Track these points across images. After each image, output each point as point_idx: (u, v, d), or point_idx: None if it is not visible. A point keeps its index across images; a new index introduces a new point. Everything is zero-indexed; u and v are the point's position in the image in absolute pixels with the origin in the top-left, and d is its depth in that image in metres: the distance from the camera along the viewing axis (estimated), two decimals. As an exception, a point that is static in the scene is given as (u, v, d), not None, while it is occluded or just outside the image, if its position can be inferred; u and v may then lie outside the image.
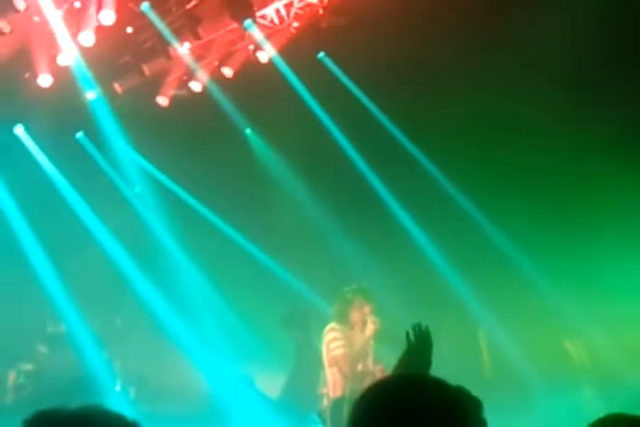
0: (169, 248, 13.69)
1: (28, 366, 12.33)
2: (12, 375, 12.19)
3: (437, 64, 11.35)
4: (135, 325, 13.49)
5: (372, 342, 9.01)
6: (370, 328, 8.86)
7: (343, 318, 9.03)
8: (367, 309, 8.98)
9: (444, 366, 3.94)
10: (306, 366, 11.26)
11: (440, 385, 2.52)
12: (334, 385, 8.89)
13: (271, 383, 12.47)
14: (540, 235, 11.27)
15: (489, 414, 2.65)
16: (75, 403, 2.70)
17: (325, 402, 9.07)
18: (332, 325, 9.03)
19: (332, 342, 8.90)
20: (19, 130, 13.69)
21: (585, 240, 10.82)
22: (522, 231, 11.66)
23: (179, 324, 13.13)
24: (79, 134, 14.14)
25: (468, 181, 12.14)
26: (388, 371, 7.08)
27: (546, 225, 11.07)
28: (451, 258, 12.34)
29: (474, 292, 12.02)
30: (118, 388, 12.48)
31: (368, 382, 8.37)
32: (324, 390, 9.19)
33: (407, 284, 12.18)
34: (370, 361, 9.00)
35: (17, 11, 10.35)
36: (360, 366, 8.88)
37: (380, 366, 8.92)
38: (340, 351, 8.82)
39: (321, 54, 12.75)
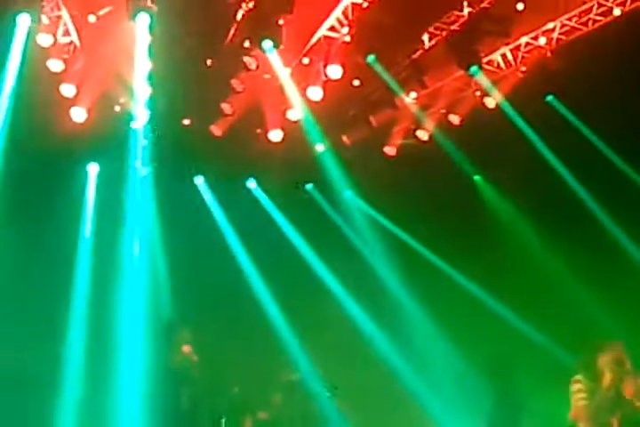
0: (400, 299, 13.58)
1: (263, 415, 12.45)
2: (248, 424, 12.33)
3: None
4: (370, 375, 13.40)
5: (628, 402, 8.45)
6: (628, 389, 8.34)
7: (590, 370, 8.57)
8: (628, 366, 8.48)
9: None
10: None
11: None
12: None
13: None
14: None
15: None
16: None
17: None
18: (577, 376, 8.60)
19: (576, 393, 8.48)
20: (251, 184, 14.15)
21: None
22: None
23: (410, 374, 12.96)
24: (309, 186, 14.41)
25: None
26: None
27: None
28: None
29: None
30: (351, 437, 12.40)
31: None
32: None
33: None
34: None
35: (249, 69, 10.72)
36: (609, 419, 8.35)
37: None
38: (582, 403, 8.37)
39: (550, 97, 12.36)
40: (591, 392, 8.37)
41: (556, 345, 11.88)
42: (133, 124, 11.86)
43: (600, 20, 10.92)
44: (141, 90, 11.03)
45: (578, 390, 8.42)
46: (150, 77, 10.89)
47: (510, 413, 10.77)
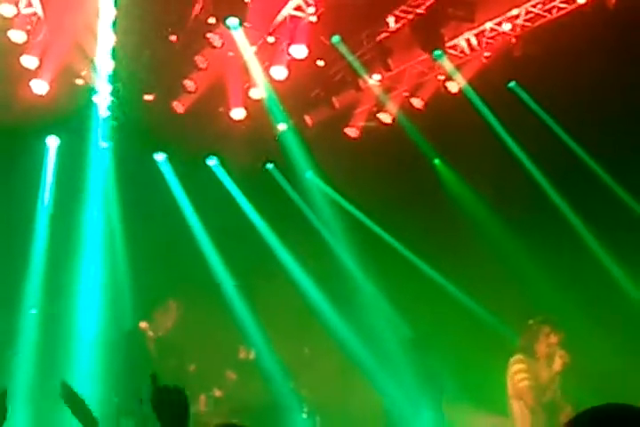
0: (357, 278, 13.68)
1: (218, 393, 12.49)
2: (202, 400, 12.37)
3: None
4: (323, 354, 13.49)
5: (558, 377, 8.70)
6: (558, 362, 8.59)
7: (529, 351, 8.79)
8: (554, 341, 8.70)
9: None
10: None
11: None
12: (522, 418, 8.70)
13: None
14: None
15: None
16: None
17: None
18: (518, 356, 8.84)
19: (516, 373, 8.74)
20: (212, 162, 14.12)
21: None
22: None
23: (365, 353, 13.06)
24: (269, 166, 14.41)
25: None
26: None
27: None
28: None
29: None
30: (304, 415, 12.47)
31: (556, 415, 8.25)
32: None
33: (599, 313, 11.60)
34: (558, 395, 8.68)
35: (213, 47, 10.66)
36: (546, 400, 8.58)
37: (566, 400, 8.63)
38: (524, 384, 8.62)
39: (512, 84, 12.44)
40: (532, 373, 8.61)
41: (501, 323, 12.08)
42: (95, 98, 11.78)
43: (564, 8, 10.97)
44: (104, 64, 10.94)
45: (519, 371, 8.66)
46: (113, 51, 10.79)
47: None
